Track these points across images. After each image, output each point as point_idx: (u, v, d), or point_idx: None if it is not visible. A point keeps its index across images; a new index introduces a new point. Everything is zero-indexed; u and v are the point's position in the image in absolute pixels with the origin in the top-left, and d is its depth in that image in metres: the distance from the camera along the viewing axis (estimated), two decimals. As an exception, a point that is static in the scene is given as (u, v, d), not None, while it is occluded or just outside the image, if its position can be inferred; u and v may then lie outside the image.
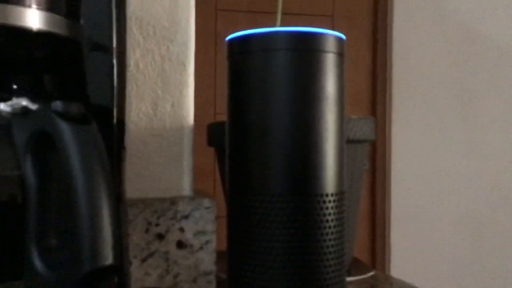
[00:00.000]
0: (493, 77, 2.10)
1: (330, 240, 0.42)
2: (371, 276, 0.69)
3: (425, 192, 2.02)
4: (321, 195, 0.42)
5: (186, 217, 0.60)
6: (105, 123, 0.41)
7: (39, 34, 0.37)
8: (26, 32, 0.37)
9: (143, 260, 0.59)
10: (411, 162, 2.01)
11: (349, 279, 0.67)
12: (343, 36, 0.45)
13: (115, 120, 0.42)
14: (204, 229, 0.61)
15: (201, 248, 0.61)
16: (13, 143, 0.35)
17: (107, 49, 0.41)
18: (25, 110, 0.36)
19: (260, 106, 0.43)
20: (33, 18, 0.36)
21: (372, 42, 2.01)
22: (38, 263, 0.34)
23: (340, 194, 0.44)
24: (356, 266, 0.73)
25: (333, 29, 0.43)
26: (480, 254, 2.08)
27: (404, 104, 2.00)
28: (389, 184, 2.00)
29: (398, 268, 1.97)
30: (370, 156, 1.96)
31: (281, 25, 0.60)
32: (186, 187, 0.64)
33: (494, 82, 2.10)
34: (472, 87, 2.08)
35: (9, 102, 0.36)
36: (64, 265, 0.34)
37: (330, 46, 0.43)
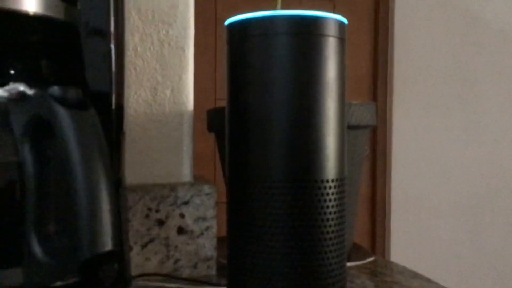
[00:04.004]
0: (494, 63, 2.09)
1: (330, 226, 0.42)
2: (371, 262, 0.69)
3: (425, 177, 2.03)
4: (322, 181, 0.42)
5: (186, 203, 0.60)
6: (104, 109, 0.40)
7: (35, 18, 0.37)
8: (22, 16, 0.36)
9: (144, 246, 0.59)
10: (412, 148, 2.01)
11: (349, 264, 0.67)
12: (345, 20, 0.44)
13: (113, 106, 0.41)
14: (204, 215, 0.61)
15: (202, 234, 0.61)
16: (10, 129, 0.35)
17: (104, 34, 0.41)
18: (22, 95, 0.35)
19: (260, 92, 0.42)
20: (30, 2, 0.36)
21: (373, 27, 1.99)
22: (37, 250, 0.34)
23: (340, 180, 0.44)
24: (356, 252, 0.73)
25: (334, 13, 0.43)
26: (479, 239, 2.09)
27: (405, 90, 1.99)
28: (390, 170, 2.00)
29: (398, 253, 1.98)
30: (371, 141, 1.95)
31: (282, 9, 0.60)
32: (186, 173, 0.64)
33: (495, 68, 2.09)
34: (473, 73, 2.07)
35: (6, 88, 0.36)
36: (64, 252, 0.34)
37: (331, 30, 0.43)
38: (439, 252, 2.04)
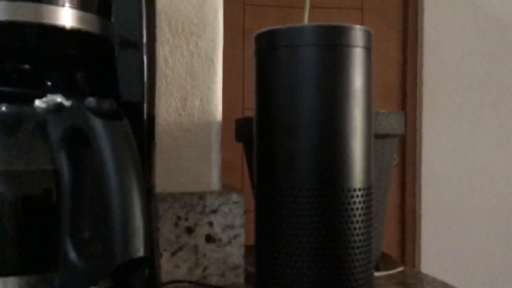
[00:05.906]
0: (528, 70, 2.04)
1: (357, 234, 0.42)
2: (400, 272, 0.69)
3: (456, 187, 1.99)
4: (348, 190, 0.42)
5: (214, 211, 0.61)
6: (136, 119, 0.41)
7: (72, 32, 0.38)
8: (59, 31, 0.38)
9: (173, 253, 0.60)
10: (442, 157, 1.98)
11: (377, 274, 0.66)
12: (371, 30, 0.45)
13: (145, 116, 0.43)
14: (232, 223, 0.62)
15: (230, 242, 0.62)
16: (48, 139, 0.36)
17: (137, 46, 0.42)
18: (59, 106, 0.37)
19: (287, 102, 0.43)
20: (66, 17, 0.37)
21: (402, 35, 1.98)
22: (72, 255, 0.36)
23: (367, 189, 0.44)
24: (385, 261, 0.73)
25: (362, 22, 0.43)
26: (514, 250, 2.03)
27: (434, 98, 1.96)
28: (419, 179, 1.97)
29: (428, 264, 1.95)
30: (400, 150, 1.93)
31: (309, 19, 0.60)
32: (214, 181, 0.65)
33: (529, 75, 2.04)
34: (505, 80, 2.02)
35: (44, 99, 0.37)
36: (97, 257, 0.35)
37: (357, 40, 0.43)
38: (471, 263, 1.99)
